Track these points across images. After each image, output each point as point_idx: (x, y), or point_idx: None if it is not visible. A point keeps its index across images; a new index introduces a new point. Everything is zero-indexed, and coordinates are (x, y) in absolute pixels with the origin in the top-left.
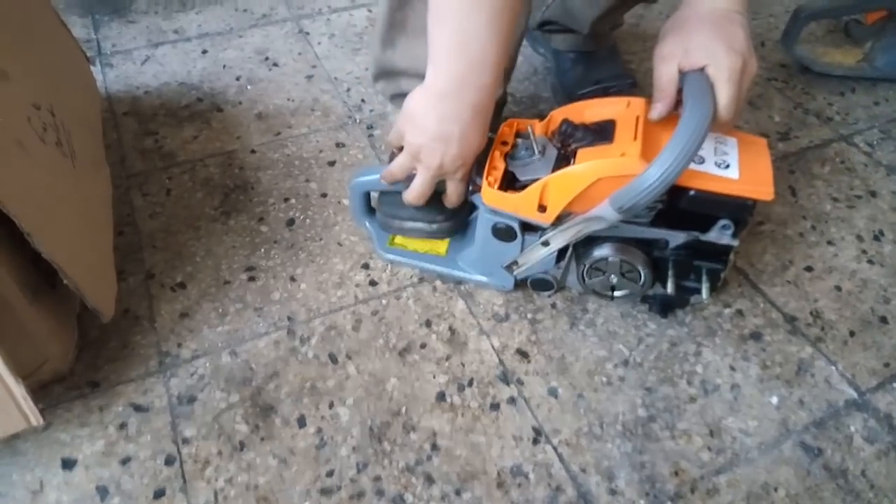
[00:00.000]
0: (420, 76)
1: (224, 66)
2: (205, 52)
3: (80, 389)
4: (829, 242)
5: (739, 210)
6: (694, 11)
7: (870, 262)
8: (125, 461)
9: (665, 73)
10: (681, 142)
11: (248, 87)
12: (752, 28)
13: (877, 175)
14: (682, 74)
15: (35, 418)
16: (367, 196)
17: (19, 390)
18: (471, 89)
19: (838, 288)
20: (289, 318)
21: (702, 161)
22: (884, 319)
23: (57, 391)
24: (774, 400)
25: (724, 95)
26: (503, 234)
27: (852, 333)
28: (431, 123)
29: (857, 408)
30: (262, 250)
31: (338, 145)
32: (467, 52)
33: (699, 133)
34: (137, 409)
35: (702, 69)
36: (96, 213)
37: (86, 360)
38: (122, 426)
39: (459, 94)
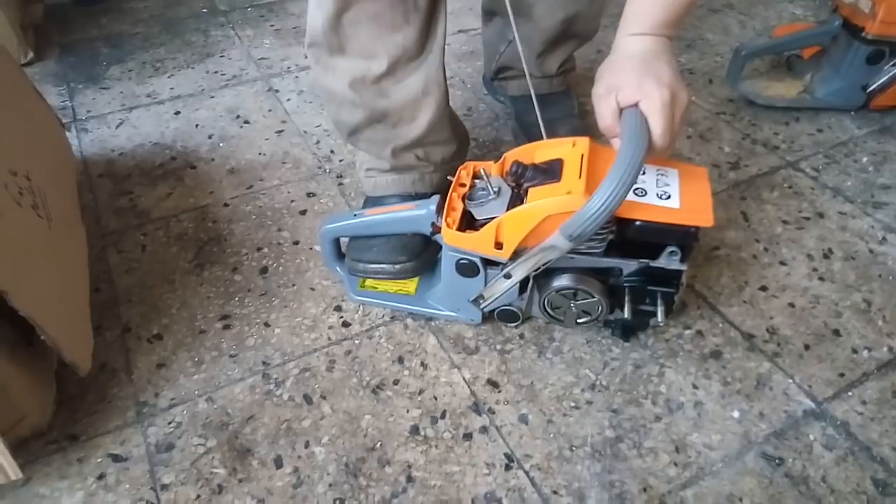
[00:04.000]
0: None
1: (196, 126)
2: (177, 112)
3: (58, 443)
4: (782, 262)
5: (683, 237)
6: (624, 53)
7: (820, 279)
8: None
9: (605, 111)
10: (618, 173)
11: (221, 144)
12: (700, 64)
13: (823, 197)
14: (619, 111)
15: (14, 472)
16: (337, 242)
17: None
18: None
19: (792, 305)
20: (264, 363)
21: (644, 193)
22: (836, 332)
23: (36, 446)
24: (736, 414)
25: (658, 126)
26: (467, 270)
27: (807, 347)
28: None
29: (815, 417)
30: (237, 299)
31: (308, 195)
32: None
33: (634, 164)
34: (116, 459)
35: (636, 105)
36: (72, 271)
37: (64, 415)
38: (101, 476)
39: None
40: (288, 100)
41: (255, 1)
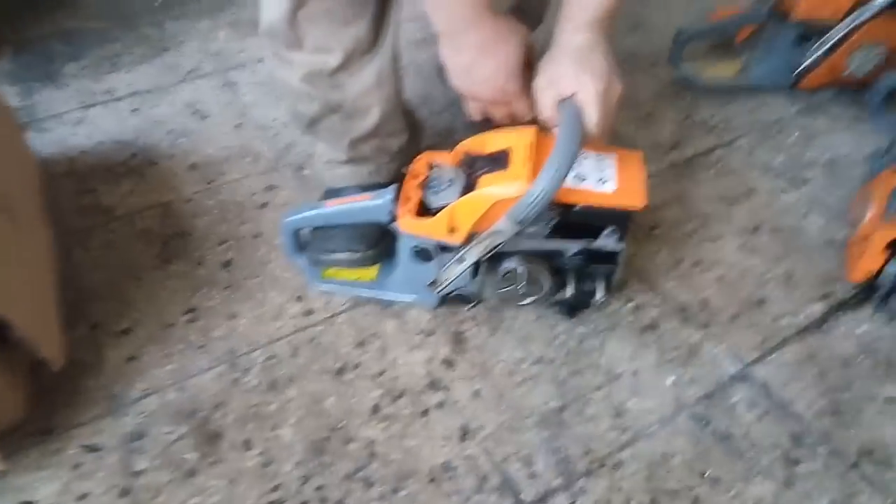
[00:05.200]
0: None
1: (156, 122)
2: (136, 109)
3: (34, 437)
4: (714, 239)
5: (619, 218)
6: (561, 48)
7: (749, 252)
8: (81, 497)
9: (545, 102)
10: (555, 161)
11: (180, 139)
12: (643, 48)
13: (754, 174)
14: (558, 102)
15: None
16: (297, 234)
17: None
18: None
19: (722, 278)
20: (230, 352)
21: (583, 179)
22: (761, 301)
23: (12, 440)
24: (670, 380)
25: (593, 116)
26: (422, 255)
27: (735, 316)
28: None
29: (739, 380)
30: (203, 291)
31: (269, 188)
32: None
33: (570, 153)
34: (91, 449)
35: (572, 96)
36: (40, 270)
37: (39, 409)
38: (77, 466)
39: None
40: (245, 93)
41: None
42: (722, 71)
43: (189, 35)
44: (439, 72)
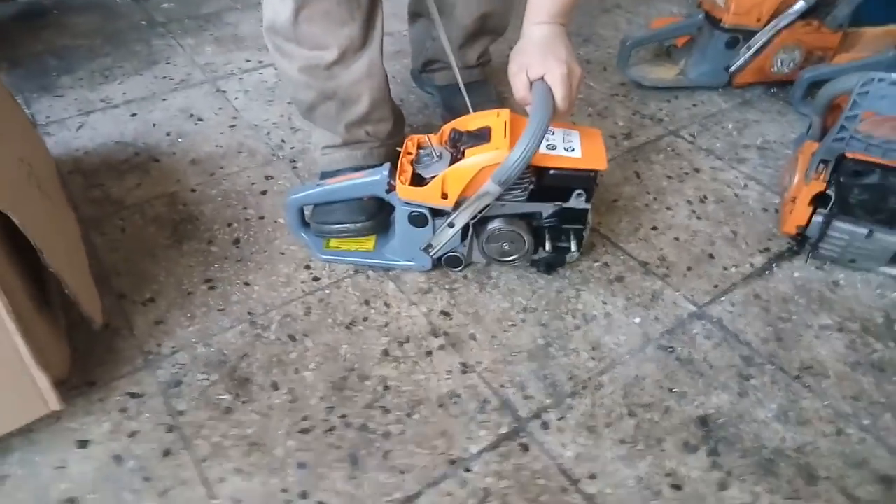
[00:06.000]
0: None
1: (154, 125)
2: (133, 114)
3: (79, 389)
4: (668, 208)
5: (586, 180)
6: (529, 39)
7: (698, 218)
8: (132, 434)
9: (519, 84)
10: (531, 129)
11: (179, 139)
12: (595, 55)
13: (698, 156)
14: (530, 84)
15: (55, 403)
16: (302, 211)
17: (42, 379)
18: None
19: (677, 239)
20: (249, 313)
21: (554, 148)
22: (711, 256)
23: (59, 393)
24: (637, 320)
25: (559, 94)
26: (418, 220)
27: (689, 268)
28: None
29: (696, 317)
30: (216, 265)
31: (266, 178)
32: None
33: (544, 121)
34: (133, 395)
35: (541, 78)
36: (74, 241)
37: (79, 367)
38: (123, 410)
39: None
40: (236, 98)
41: (192, 13)
42: (664, 73)
43: (175, 51)
44: (415, 77)
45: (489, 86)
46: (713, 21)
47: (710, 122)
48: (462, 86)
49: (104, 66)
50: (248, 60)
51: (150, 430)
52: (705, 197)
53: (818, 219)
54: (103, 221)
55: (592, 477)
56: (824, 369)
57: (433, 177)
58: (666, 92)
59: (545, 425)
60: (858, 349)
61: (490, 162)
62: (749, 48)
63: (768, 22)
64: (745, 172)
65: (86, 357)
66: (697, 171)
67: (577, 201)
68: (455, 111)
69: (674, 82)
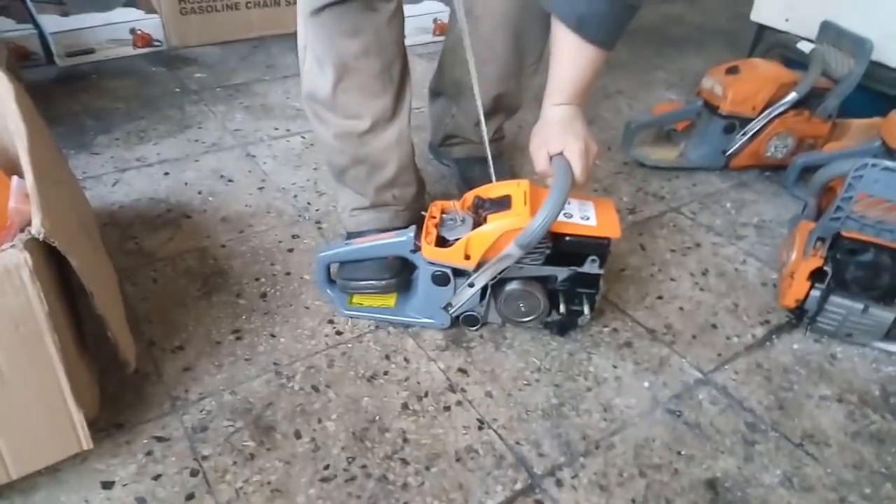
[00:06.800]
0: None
1: (186, 184)
2: (167, 173)
3: (106, 431)
4: (672, 279)
5: (600, 247)
6: (549, 118)
7: (701, 290)
8: (156, 477)
9: (540, 158)
10: (552, 198)
11: (210, 198)
12: (599, 136)
13: (699, 232)
14: (550, 158)
15: (87, 442)
16: (328, 268)
17: (79, 418)
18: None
19: (682, 308)
20: (275, 364)
21: (570, 216)
22: (714, 326)
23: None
24: (646, 384)
25: (577, 167)
26: (440, 280)
27: (694, 336)
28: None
29: (702, 384)
30: (244, 317)
31: (293, 237)
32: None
33: (564, 192)
34: (159, 439)
35: (561, 153)
36: (114, 289)
37: (108, 410)
38: (149, 453)
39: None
40: (265, 163)
41: (223, 82)
42: (665, 154)
43: (207, 117)
44: (433, 150)
45: (503, 162)
46: (711, 108)
47: (709, 200)
48: (489, 156)
49: (139, 128)
50: (276, 128)
51: (175, 473)
52: (707, 270)
53: (816, 293)
54: (136, 272)
55: None
56: (826, 438)
57: (457, 239)
58: (667, 172)
59: (559, 483)
60: (857, 420)
61: (511, 227)
62: (745, 134)
63: (763, 111)
64: (743, 248)
65: (115, 400)
66: (699, 245)
67: (591, 266)
68: (470, 182)
69: (675, 163)
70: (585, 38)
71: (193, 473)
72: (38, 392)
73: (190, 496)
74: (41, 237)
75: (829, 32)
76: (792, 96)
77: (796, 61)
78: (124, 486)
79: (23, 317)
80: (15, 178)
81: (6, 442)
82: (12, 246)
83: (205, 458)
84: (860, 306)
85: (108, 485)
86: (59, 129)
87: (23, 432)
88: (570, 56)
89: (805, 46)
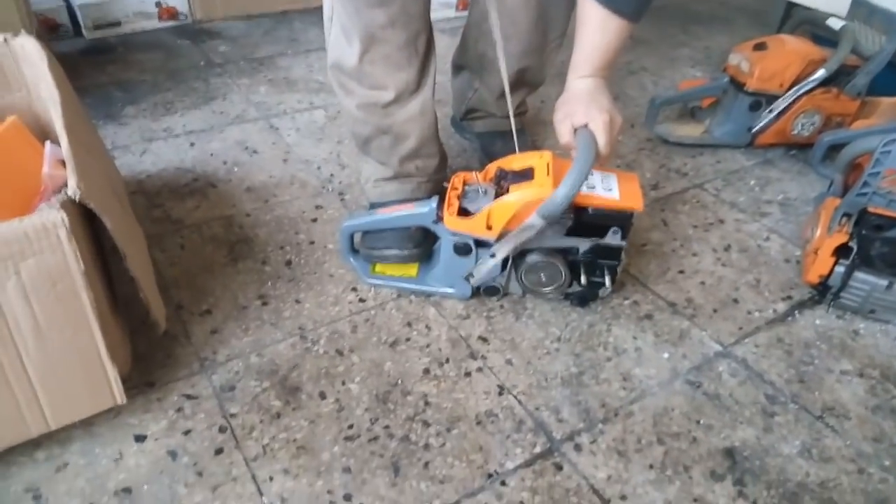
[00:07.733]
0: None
1: (211, 155)
2: (192, 144)
3: (138, 388)
4: (694, 254)
5: (623, 219)
6: (573, 90)
7: (723, 265)
8: (187, 432)
9: (564, 131)
10: (576, 169)
11: (235, 168)
12: (624, 113)
13: (722, 209)
14: (574, 130)
15: (120, 397)
16: (352, 237)
17: (113, 373)
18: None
19: (703, 283)
20: (299, 328)
21: (593, 188)
22: (735, 300)
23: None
24: (666, 355)
25: (601, 140)
26: (462, 250)
27: (715, 310)
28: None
29: (722, 356)
30: (269, 284)
31: (317, 207)
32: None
33: (588, 164)
34: (189, 397)
35: (585, 125)
36: (144, 252)
37: (139, 369)
38: (180, 409)
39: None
40: (288, 135)
41: (247, 56)
42: (689, 131)
43: (231, 89)
44: (455, 124)
45: (525, 135)
46: (738, 85)
47: (733, 177)
48: (514, 129)
49: (166, 100)
50: (299, 101)
51: (204, 429)
52: (729, 246)
53: (840, 269)
54: (164, 238)
55: (623, 498)
56: (846, 411)
57: (479, 210)
58: (690, 148)
59: (578, 447)
60: (878, 394)
61: (534, 198)
62: (771, 111)
63: (790, 88)
64: (767, 225)
65: (146, 360)
66: (721, 222)
67: (613, 238)
68: (492, 155)
69: (699, 140)
70: (612, 10)
71: (222, 430)
72: (74, 347)
73: (219, 451)
74: (77, 198)
75: (861, 8)
76: (820, 73)
77: (825, 38)
78: (156, 440)
79: (60, 274)
80: (48, 143)
81: (45, 393)
82: (49, 206)
83: (233, 415)
84: (885, 283)
85: (140, 438)
86: (87, 100)
87: (60, 385)
88: (596, 28)
89: (835, 23)
